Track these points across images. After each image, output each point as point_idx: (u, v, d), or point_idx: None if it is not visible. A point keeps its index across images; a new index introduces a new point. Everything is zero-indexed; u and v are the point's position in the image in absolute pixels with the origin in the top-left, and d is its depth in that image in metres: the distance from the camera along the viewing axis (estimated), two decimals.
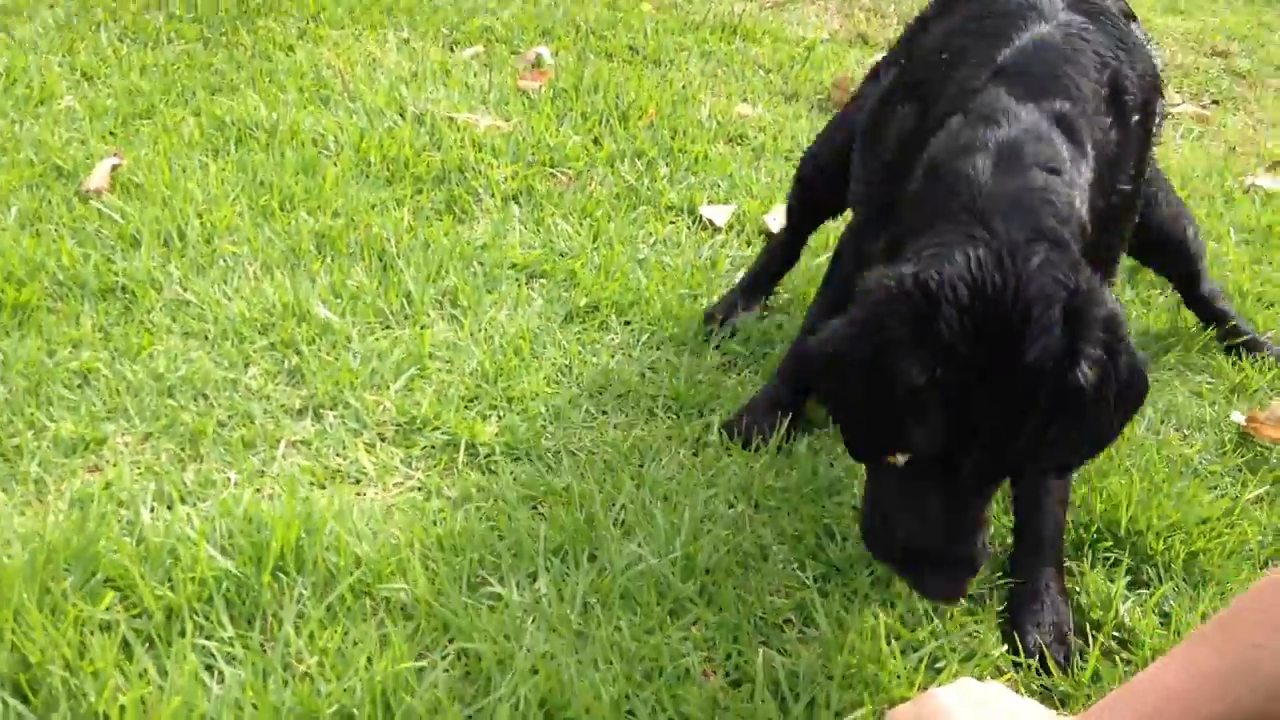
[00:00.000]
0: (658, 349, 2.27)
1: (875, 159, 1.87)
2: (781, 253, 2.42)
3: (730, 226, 2.77)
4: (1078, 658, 1.64)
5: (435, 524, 1.75)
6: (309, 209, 2.59)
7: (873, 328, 1.42)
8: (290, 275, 2.36)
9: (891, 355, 1.39)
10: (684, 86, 3.57)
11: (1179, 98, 4.28)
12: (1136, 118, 1.69)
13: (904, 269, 1.43)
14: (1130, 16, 1.88)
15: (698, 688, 1.50)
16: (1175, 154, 3.59)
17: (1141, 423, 2.17)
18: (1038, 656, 1.61)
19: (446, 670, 1.49)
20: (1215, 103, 4.32)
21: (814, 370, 1.52)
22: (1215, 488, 2.02)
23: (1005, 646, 1.64)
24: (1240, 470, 2.08)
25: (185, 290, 2.28)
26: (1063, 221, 1.46)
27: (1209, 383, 2.38)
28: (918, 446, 1.42)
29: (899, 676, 1.55)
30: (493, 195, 2.77)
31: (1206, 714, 1.24)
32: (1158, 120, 1.83)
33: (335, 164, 2.80)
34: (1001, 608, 1.71)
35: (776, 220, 2.75)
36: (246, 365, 2.10)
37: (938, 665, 1.61)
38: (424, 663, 1.51)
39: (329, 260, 2.41)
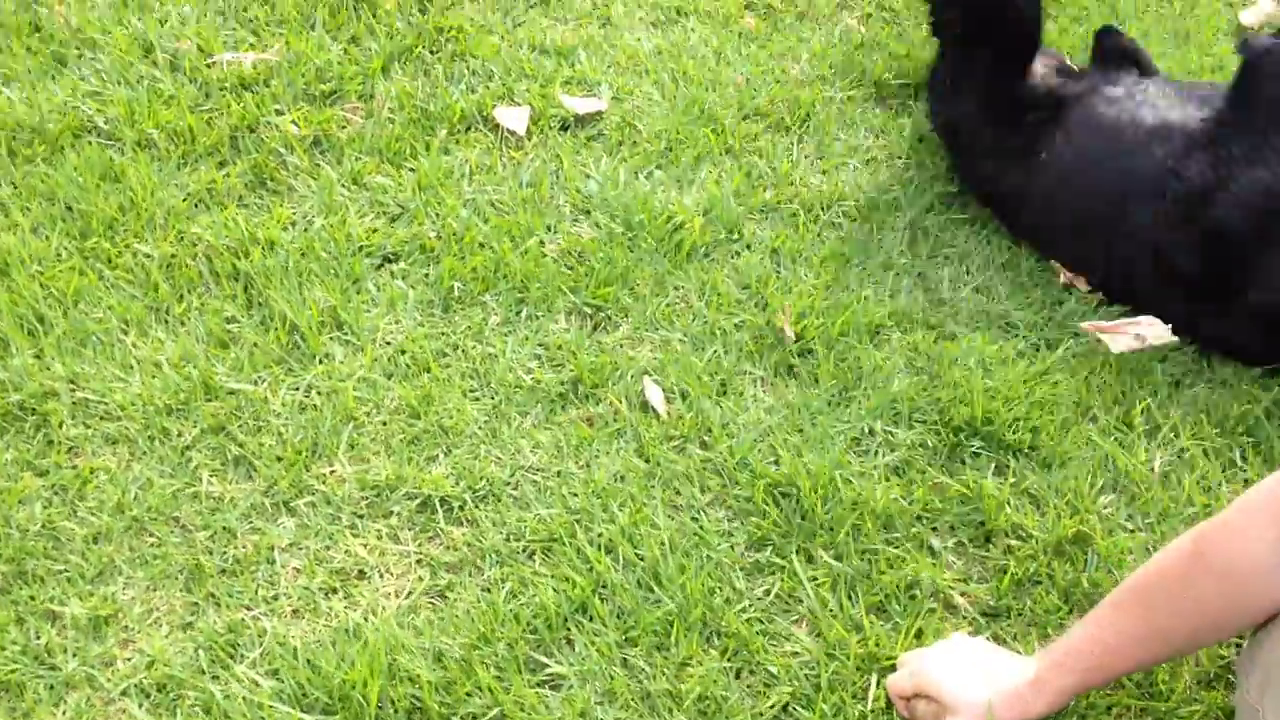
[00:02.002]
0: (538, 319, 2.42)
1: None
2: None
3: (530, 134, 2.83)
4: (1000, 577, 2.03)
5: (464, 613, 1.95)
6: (135, 233, 2.52)
7: None
8: (166, 331, 2.34)
9: None
10: None
11: None
12: None
13: None
14: None
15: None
16: None
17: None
18: None
19: None
20: None
21: None
22: (1034, 345, 2.41)
23: None
24: (1042, 315, 2.47)
25: (79, 388, 2.25)
26: None
27: None
28: None
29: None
30: (292, 150, 2.73)
31: (1134, 662, 1.72)
32: None
33: (123, 155, 2.67)
34: None
35: (580, 103, 2.84)
36: (192, 468, 2.14)
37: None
38: None
39: (191, 300, 2.40)
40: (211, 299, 2.42)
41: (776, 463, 2.18)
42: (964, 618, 1.99)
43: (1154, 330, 2.40)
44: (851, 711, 1.83)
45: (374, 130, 2.80)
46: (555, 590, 1.98)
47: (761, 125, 2.89)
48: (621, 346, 2.38)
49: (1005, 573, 2.03)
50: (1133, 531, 2.09)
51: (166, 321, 2.38)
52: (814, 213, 2.67)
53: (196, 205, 2.61)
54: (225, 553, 2.04)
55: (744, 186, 2.70)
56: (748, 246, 2.58)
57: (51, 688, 1.87)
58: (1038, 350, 2.40)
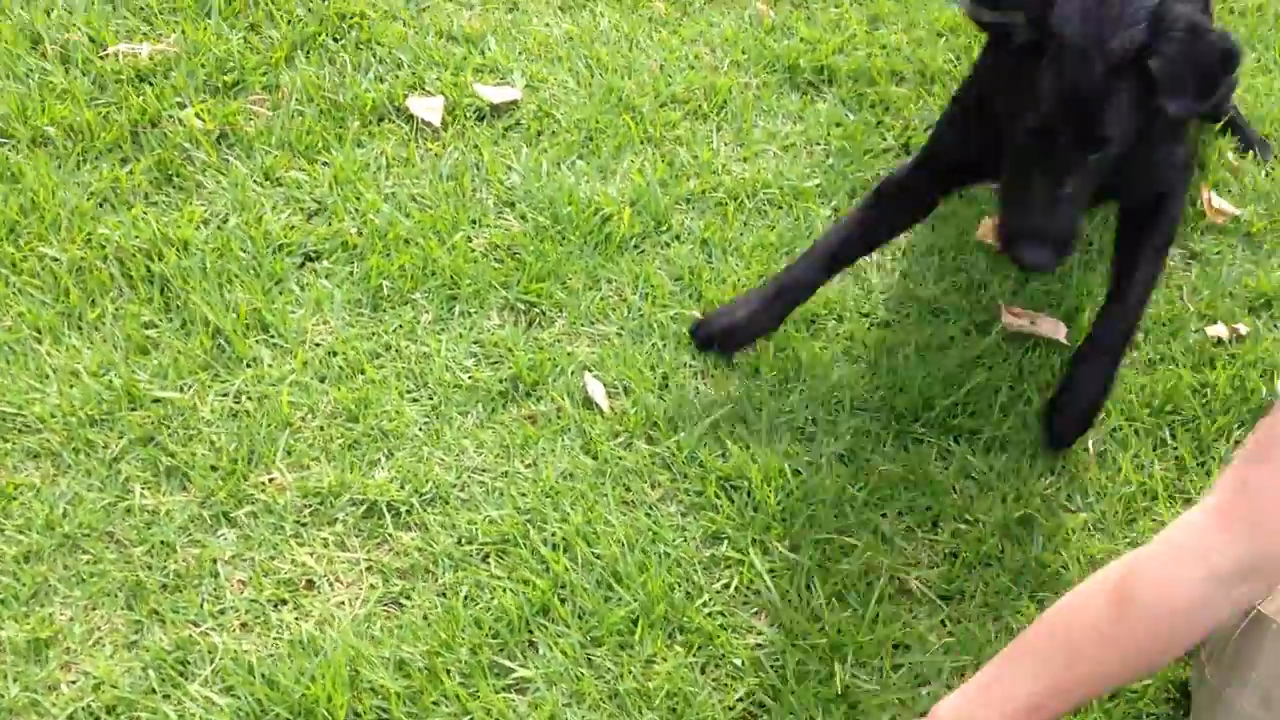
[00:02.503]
0: (471, 316, 2.44)
1: None
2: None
3: (445, 124, 2.84)
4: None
5: (422, 619, 1.98)
6: (39, 236, 2.47)
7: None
8: (81, 338, 2.31)
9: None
10: None
11: None
12: None
13: None
14: None
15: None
16: None
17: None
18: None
19: None
20: None
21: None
22: (965, 330, 2.51)
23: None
24: (969, 299, 2.58)
25: None
26: None
27: None
28: (1029, 114, 1.84)
29: None
30: (198, 145, 2.70)
31: (1059, 710, 1.65)
32: None
33: (18, 153, 2.61)
34: None
35: (495, 91, 2.86)
36: (123, 481, 2.12)
37: None
38: None
39: (105, 305, 2.36)
40: (127, 303, 2.39)
41: (724, 455, 2.24)
42: (919, 601, 2.08)
43: (1048, 326, 2.52)
44: (818, 699, 1.89)
45: (283, 123, 2.77)
46: (513, 593, 2.01)
47: (680, 113, 2.94)
48: (559, 342, 2.42)
49: (956, 556, 2.12)
50: (1074, 511, 2.20)
51: (80, 328, 2.34)
52: (740, 201, 2.73)
53: (101, 205, 2.57)
54: (165, 568, 2.03)
55: (668, 176, 2.75)
56: (677, 237, 2.63)
57: None
58: (968, 335, 2.50)
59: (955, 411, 2.30)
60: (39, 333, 2.30)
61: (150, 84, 2.82)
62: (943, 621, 2.02)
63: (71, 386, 2.23)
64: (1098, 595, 1.63)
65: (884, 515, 2.17)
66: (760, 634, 2.00)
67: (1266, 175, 2.88)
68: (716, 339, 2.34)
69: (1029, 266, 2.00)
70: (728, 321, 2.33)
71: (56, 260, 2.43)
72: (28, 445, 2.15)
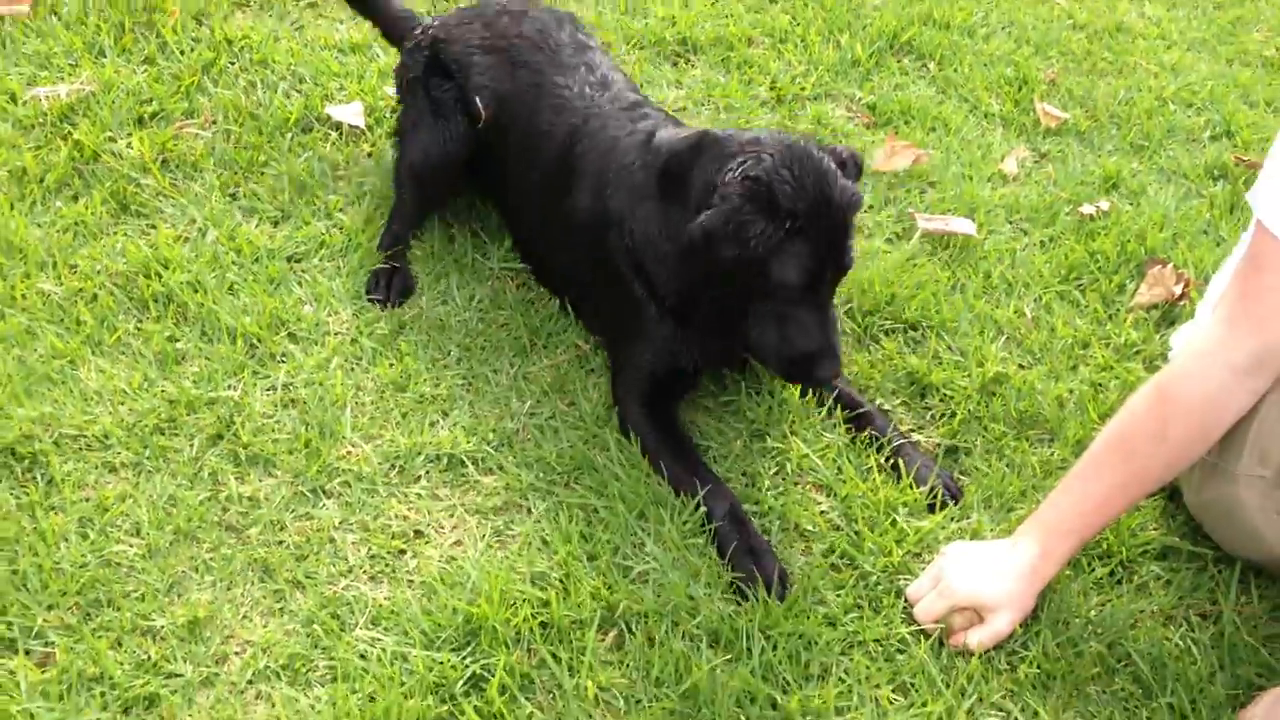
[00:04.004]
0: (468, 287, 2.77)
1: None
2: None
3: (370, 127, 3.14)
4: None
5: (537, 540, 2.28)
6: (26, 274, 2.63)
7: (736, 211, 2.19)
8: (109, 360, 2.50)
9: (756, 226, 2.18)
10: None
11: None
12: None
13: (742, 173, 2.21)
14: None
15: None
16: None
17: None
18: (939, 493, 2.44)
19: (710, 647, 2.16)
20: None
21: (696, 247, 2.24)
22: (888, 239, 3.01)
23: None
24: (886, 215, 3.08)
25: (51, 426, 2.38)
26: None
27: None
28: (791, 282, 2.21)
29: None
30: (146, 173, 2.90)
31: (1119, 509, 2.17)
32: None
33: None
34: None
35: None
36: (210, 475, 2.34)
37: None
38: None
39: (123, 326, 2.56)
40: (142, 323, 2.58)
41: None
42: (935, 457, 2.54)
43: (960, 224, 3.05)
44: (894, 543, 2.32)
45: (220, 144, 3.00)
46: (608, 508, 2.35)
47: None
48: (554, 298, 2.76)
49: (954, 416, 2.60)
50: (1029, 367, 2.72)
51: (104, 352, 2.52)
52: None
53: (76, 238, 2.73)
54: (284, 542, 2.26)
55: None
56: None
57: (175, 692, 2.03)
58: (891, 242, 3.00)
59: (910, 305, 2.79)
60: (72, 362, 2.47)
61: (70, 123, 2.98)
62: (959, 467, 2.48)
63: (121, 404, 2.41)
64: (1143, 401, 2.08)
65: (879, 393, 2.62)
66: (820, 503, 2.41)
67: (1077, 83, 3.52)
68: None
69: (826, 380, 2.37)
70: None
71: (57, 294, 2.59)
72: (104, 460, 2.33)
